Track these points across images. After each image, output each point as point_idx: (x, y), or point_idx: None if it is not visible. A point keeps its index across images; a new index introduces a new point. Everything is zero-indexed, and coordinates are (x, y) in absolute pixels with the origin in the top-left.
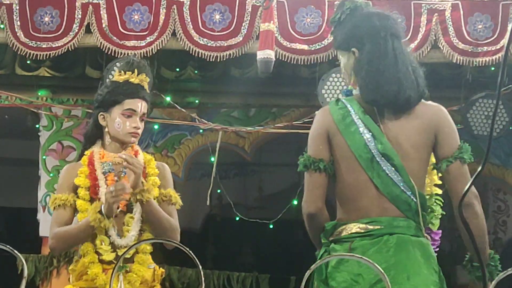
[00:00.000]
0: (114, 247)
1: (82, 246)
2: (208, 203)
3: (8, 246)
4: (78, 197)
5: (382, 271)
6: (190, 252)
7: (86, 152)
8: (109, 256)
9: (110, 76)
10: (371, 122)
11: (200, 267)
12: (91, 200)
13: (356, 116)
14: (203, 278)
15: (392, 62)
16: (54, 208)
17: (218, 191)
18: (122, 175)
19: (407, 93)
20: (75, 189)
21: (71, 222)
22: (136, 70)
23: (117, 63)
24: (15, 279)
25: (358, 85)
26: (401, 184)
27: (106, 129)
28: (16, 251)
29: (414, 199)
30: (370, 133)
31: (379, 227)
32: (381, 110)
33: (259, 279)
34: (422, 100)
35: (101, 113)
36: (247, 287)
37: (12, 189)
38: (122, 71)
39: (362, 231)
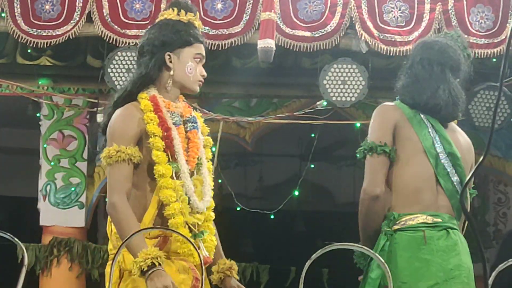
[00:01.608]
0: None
1: (175, 205)
2: None
3: (8, 234)
4: (151, 146)
5: (383, 260)
6: (191, 241)
7: (142, 96)
8: (191, 219)
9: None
10: (437, 124)
11: (201, 256)
12: (164, 152)
13: (423, 115)
14: (203, 268)
15: (427, 77)
16: (116, 161)
17: (219, 181)
18: (188, 130)
19: (438, 101)
20: (136, 140)
21: (131, 181)
22: (197, 13)
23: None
24: (15, 268)
25: (399, 93)
26: (458, 185)
27: (171, 72)
28: (16, 239)
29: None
30: (437, 134)
31: (441, 220)
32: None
33: (259, 269)
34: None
35: (168, 53)
36: (247, 277)
37: (12, 178)
38: (183, 10)
39: (430, 222)
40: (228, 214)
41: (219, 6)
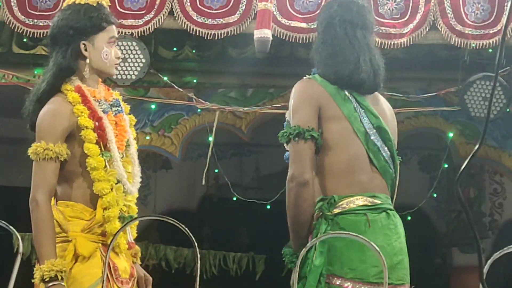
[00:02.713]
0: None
1: (108, 197)
2: (204, 183)
3: (4, 222)
4: (83, 139)
5: (378, 249)
6: (185, 228)
7: (67, 87)
8: (124, 207)
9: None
10: (362, 98)
11: (196, 244)
12: (96, 143)
13: (346, 90)
14: (198, 257)
15: (347, 45)
16: (43, 159)
17: (216, 171)
18: (114, 114)
19: (361, 75)
20: (66, 135)
21: (57, 179)
22: None
23: None
24: (12, 257)
25: (317, 65)
26: (389, 160)
27: (88, 61)
28: (12, 228)
29: (394, 176)
30: (363, 109)
31: (379, 202)
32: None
33: (255, 259)
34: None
35: (83, 42)
36: (243, 267)
37: (9, 168)
38: None
39: (370, 204)
40: (224, 204)
41: None
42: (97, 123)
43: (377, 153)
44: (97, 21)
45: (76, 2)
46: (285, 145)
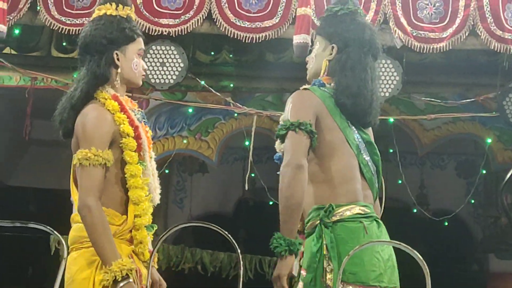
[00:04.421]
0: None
1: (144, 205)
2: (246, 187)
3: (48, 227)
4: (124, 146)
5: (418, 254)
6: (229, 235)
7: (104, 96)
8: (150, 217)
9: (100, 11)
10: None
11: (239, 250)
12: (135, 151)
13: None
14: (241, 263)
15: (369, 79)
16: (93, 164)
17: (252, 175)
18: (141, 123)
19: (371, 116)
20: (110, 142)
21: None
22: (132, 6)
23: None
24: (46, 260)
25: (336, 83)
26: (375, 174)
27: (119, 70)
28: (56, 232)
29: (379, 190)
30: (353, 126)
31: (369, 211)
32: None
33: None
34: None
35: (116, 51)
36: None
37: (46, 171)
38: (120, 5)
39: (363, 212)
40: (260, 208)
41: None
42: (135, 133)
43: (367, 166)
44: (129, 32)
45: (108, 13)
46: (277, 143)
